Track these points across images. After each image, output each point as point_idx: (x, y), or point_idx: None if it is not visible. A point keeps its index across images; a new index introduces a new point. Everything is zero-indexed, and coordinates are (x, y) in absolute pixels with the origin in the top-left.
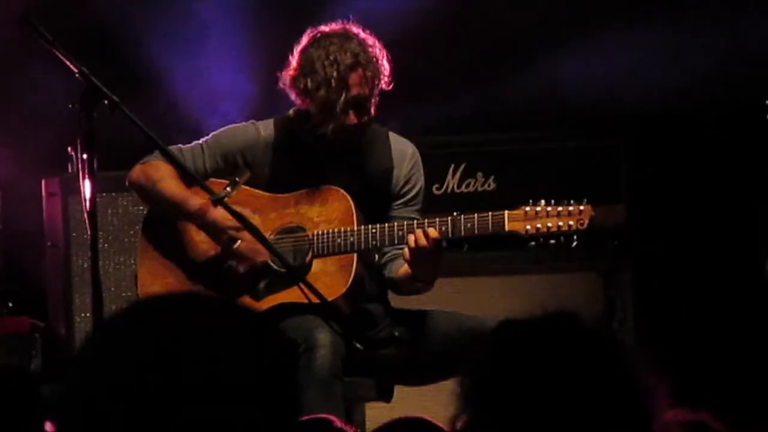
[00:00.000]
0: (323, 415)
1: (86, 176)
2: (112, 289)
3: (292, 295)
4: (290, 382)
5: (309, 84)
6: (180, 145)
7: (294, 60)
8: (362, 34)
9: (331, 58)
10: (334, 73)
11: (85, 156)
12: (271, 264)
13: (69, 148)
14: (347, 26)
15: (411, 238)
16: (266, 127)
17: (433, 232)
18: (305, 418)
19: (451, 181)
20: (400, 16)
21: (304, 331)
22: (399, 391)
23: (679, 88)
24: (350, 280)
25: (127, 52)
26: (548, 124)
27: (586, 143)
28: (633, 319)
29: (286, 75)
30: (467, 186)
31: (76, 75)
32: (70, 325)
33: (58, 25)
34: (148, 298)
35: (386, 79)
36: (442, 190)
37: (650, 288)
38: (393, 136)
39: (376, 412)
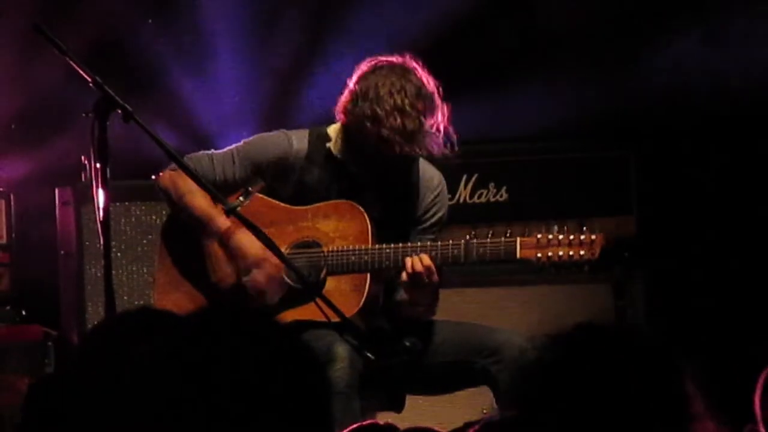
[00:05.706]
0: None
1: (99, 185)
2: (125, 297)
3: (305, 312)
4: (318, 394)
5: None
6: (212, 151)
7: (351, 85)
8: (422, 73)
9: (394, 85)
10: (398, 100)
11: (98, 165)
12: (286, 279)
13: (82, 157)
14: (406, 61)
15: (408, 262)
16: (300, 139)
17: (425, 259)
18: None
19: (464, 192)
20: (411, 25)
21: (322, 345)
22: (410, 401)
23: (689, 100)
24: (363, 301)
25: (135, 63)
26: (560, 136)
27: (597, 155)
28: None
29: (341, 100)
30: (479, 197)
31: (90, 84)
32: (82, 334)
33: (68, 36)
34: (158, 310)
35: (438, 120)
36: (455, 201)
37: (661, 299)
38: (423, 163)
39: None
